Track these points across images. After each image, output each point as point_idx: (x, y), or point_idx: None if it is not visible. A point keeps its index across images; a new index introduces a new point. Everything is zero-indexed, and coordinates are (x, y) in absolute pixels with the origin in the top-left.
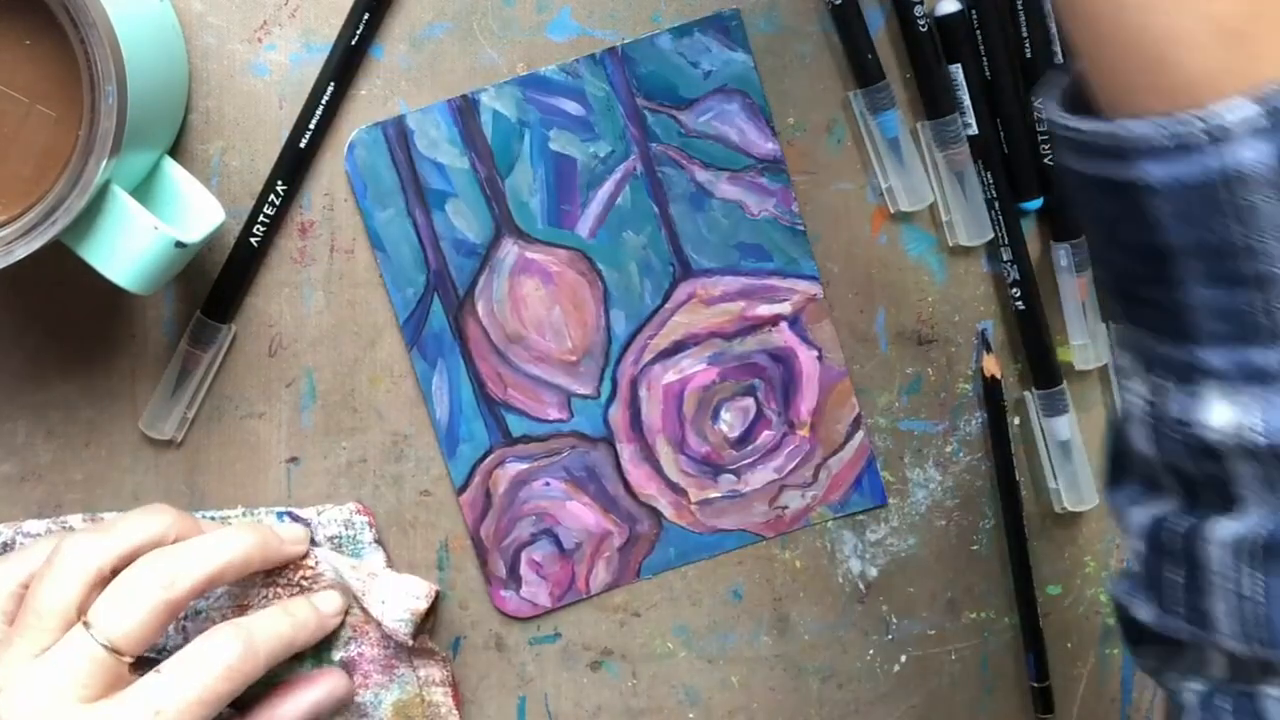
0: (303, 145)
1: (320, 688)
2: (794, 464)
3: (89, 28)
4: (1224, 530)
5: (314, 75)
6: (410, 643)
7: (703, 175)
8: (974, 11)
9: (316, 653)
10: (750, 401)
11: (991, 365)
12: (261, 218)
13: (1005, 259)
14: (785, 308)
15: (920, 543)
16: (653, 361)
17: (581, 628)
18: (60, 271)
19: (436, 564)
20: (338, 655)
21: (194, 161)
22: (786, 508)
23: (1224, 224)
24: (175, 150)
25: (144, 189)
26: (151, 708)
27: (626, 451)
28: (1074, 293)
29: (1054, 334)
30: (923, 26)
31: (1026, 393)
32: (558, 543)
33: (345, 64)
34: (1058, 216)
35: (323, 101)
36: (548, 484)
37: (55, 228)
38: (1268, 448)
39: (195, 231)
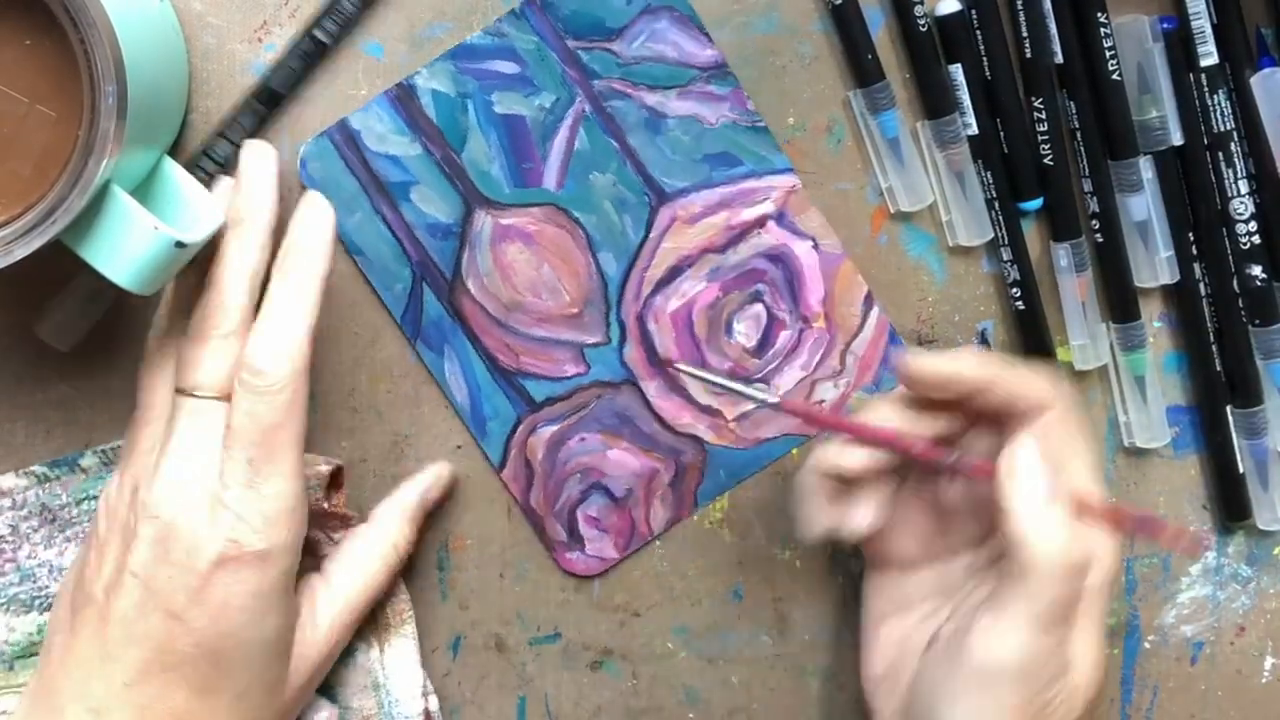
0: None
1: (429, 474)
2: (818, 357)
3: (89, 28)
4: None
5: (313, 75)
6: (325, 506)
7: (651, 99)
8: (974, 11)
9: None
10: (759, 307)
11: None
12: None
13: (1005, 259)
14: (768, 206)
15: None
16: (653, 293)
17: (581, 628)
18: (60, 271)
19: (437, 564)
20: None
21: None
22: (824, 401)
23: None
24: (175, 150)
25: (144, 189)
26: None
27: (651, 387)
28: (1074, 293)
29: (1054, 334)
30: (923, 26)
31: None
32: (609, 494)
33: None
34: (1057, 216)
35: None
36: (583, 439)
37: (55, 228)
38: None
39: (195, 231)
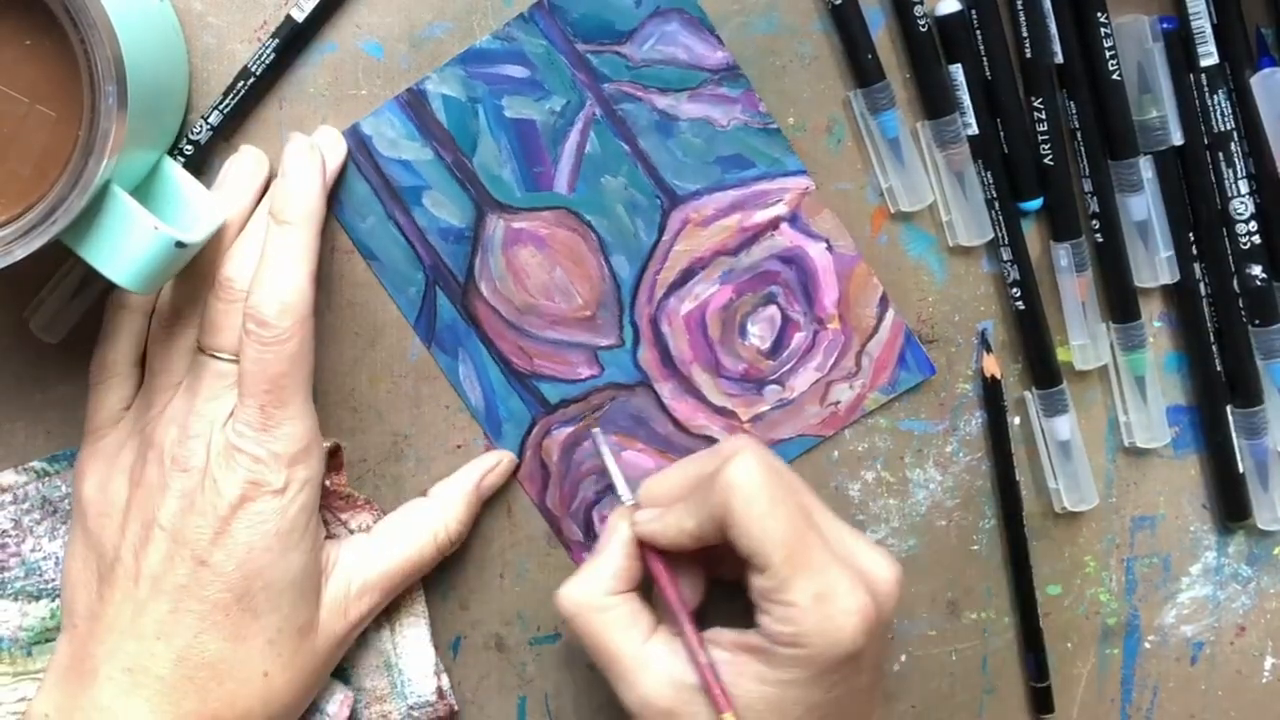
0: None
1: (489, 458)
2: (834, 358)
3: (89, 28)
4: None
5: (313, 75)
6: (326, 484)
7: (662, 101)
8: (974, 11)
9: None
10: (773, 309)
11: (991, 365)
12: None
13: (1005, 259)
14: (781, 208)
15: (920, 543)
16: (666, 296)
17: None
18: (56, 270)
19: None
20: None
21: None
22: (839, 402)
23: None
24: (175, 150)
25: (144, 189)
26: None
27: (665, 389)
28: (1074, 293)
29: (1054, 334)
30: (923, 26)
31: (1026, 393)
32: None
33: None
34: (1057, 216)
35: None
36: None
37: (55, 228)
38: None
39: (195, 231)
